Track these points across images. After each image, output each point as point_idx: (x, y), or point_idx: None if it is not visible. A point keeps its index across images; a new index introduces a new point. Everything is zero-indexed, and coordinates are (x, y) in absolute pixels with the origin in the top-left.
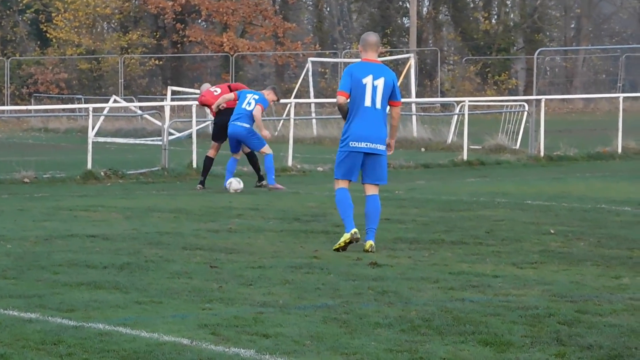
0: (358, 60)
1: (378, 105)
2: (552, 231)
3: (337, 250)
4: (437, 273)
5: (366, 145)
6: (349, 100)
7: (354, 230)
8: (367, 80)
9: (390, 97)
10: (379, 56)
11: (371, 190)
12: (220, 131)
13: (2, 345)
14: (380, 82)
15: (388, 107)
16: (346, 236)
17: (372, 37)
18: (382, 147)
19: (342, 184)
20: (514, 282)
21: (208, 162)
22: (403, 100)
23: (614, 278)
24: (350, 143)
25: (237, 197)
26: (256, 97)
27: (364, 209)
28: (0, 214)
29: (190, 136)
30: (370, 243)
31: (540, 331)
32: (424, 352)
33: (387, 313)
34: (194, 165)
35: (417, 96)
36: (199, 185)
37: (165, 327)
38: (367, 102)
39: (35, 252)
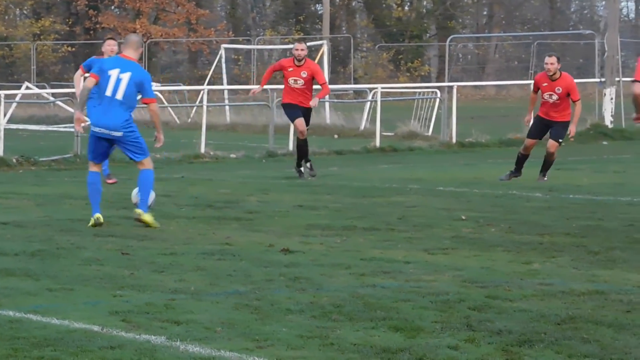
0: (270, 46)
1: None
2: (463, 217)
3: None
4: (349, 259)
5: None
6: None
7: (97, 215)
8: (113, 73)
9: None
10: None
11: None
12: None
13: None
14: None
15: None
16: (91, 221)
17: (132, 36)
18: (118, 133)
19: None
20: (425, 268)
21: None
22: (317, 86)
23: (524, 264)
24: (93, 128)
25: None
26: None
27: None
28: None
29: None
30: (138, 211)
31: (450, 317)
32: (335, 337)
33: (299, 299)
34: None
35: (330, 83)
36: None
37: (76, 314)
38: (108, 92)
39: None
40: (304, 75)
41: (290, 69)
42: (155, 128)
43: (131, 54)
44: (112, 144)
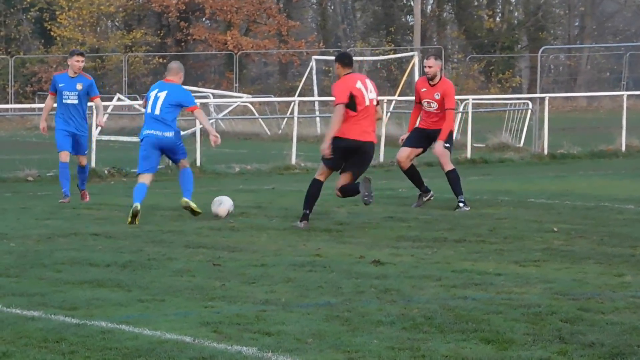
0: (361, 58)
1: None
2: (554, 229)
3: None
4: (440, 271)
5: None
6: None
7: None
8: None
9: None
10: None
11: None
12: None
13: (4, 343)
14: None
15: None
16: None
17: (173, 64)
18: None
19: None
20: (516, 280)
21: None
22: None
23: (616, 276)
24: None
25: (239, 195)
26: None
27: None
28: (3, 212)
29: (194, 134)
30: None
31: (542, 329)
32: (426, 349)
33: (389, 311)
34: (198, 163)
35: None
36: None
37: (167, 325)
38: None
39: (38, 250)
40: (437, 97)
41: (424, 89)
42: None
43: (172, 78)
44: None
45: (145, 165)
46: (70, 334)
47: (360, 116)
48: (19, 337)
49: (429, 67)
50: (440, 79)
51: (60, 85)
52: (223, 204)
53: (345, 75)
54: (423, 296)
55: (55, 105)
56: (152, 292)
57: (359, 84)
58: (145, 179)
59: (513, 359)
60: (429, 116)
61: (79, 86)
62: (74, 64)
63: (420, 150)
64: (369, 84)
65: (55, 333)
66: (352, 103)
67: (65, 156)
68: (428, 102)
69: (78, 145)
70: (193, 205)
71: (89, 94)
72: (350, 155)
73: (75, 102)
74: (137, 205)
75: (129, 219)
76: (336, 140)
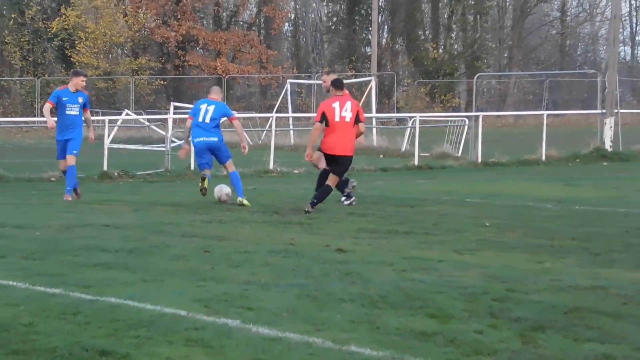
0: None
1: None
2: (487, 224)
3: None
4: (392, 258)
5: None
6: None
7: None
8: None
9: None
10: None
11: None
12: None
13: (30, 315)
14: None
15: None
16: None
17: (215, 88)
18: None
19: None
20: (455, 266)
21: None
22: (366, 115)
23: (538, 263)
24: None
25: None
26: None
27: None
28: (30, 206)
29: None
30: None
31: (476, 306)
32: (381, 323)
33: (351, 290)
34: (192, 167)
35: (376, 112)
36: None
37: (166, 301)
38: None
39: (59, 238)
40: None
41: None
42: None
43: (215, 96)
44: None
45: (201, 165)
46: (86, 308)
47: (330, 130)
48: (42, 310)
49: (323, 81)
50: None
51: (64, 99)
52: (223, 190)
53: (332, 96)
54: (379, 278)
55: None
56: (154, 273)
57: (335, 104)
58: (206, 172)
59: (452, 330)
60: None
61: (80, 99)
62: (79, 83)
63: None
64: (348, 105)
65: (73, 307)
66: (325, 120)
67: (63, 164)
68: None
69: (67, 148)
70: (245, 202)
71: (84, 106)
72: (330, 161)
73: (77, 113)
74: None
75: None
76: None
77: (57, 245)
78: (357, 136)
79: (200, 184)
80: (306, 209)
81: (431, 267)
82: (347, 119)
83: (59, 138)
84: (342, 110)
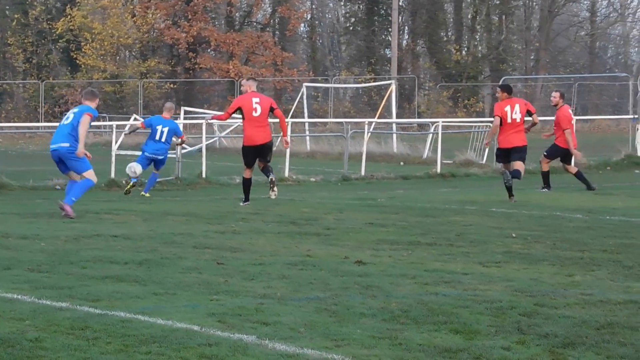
0: (345, 85)
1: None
2: (513, 235)
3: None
4: (414, 270)
5: None
6: None
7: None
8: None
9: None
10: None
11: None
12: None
13: (37, 330)
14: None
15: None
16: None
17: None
18: None
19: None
20: (480, 279)
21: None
22: (386, 120)
23: (567, 276)
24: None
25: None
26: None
27: None
28: (36, 216)
29: (200, 150)
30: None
31: (503, 321)
32: (403, 338)
33: (371, 305)
34: (204, 175)
35: (397, 117)
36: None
37: (178, 315)
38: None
39: (66, 249)
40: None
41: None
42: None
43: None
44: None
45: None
46: (94, 322)
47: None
48: (49, 324)
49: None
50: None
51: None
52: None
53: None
54: (400, 292)
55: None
56: (165, 286)
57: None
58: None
59: (478, 347)
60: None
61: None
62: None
63: None
64: (517, 107)
65: (81, 321)
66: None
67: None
68: None
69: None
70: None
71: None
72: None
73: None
74: None
75: None
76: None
77: (65, 256)
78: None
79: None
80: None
81: (455, 280)
82: (518, 120)
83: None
84: (513, 112)
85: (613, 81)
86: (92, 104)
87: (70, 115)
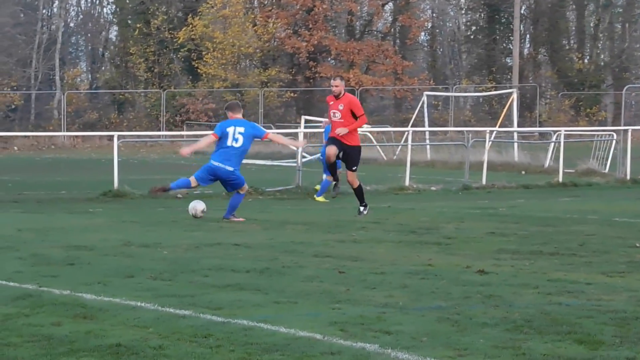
0: (465, 94)
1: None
2: (637, 245)
3: None
4: (536, 280)
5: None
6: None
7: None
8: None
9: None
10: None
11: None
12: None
13: (160, 338)
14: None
15: None
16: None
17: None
18: None
19: None
20: (604, 289)
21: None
22: (507, 129)
23: None
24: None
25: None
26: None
27: None
28: (157, 224)
29: (320, 159)
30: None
31: (628, 332)
32: (526, 348)
33: (493, 314)
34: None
35: (518, 126)
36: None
37: (300, 324)
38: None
39: (187, 257)
40: (341, 108)
41: (331, 102)
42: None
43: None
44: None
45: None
46: (217, 330)
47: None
48: (172, 332)
49: (335, 86)
50: (343, 94)
51: None
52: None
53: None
54: (522, 302)
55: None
56: (286, 295)
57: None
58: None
59: (603, 357)
60: (335, 125)
61: None
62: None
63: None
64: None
65: (204, 329)
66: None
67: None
68: (333, 113)
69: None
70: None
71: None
72: None
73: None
74: None
75: None
76: None
77: (186, 265)
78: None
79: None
80: None
81: (578, 290)
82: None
83: None
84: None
85: None
86: (239, 115)
87: (239, 137)
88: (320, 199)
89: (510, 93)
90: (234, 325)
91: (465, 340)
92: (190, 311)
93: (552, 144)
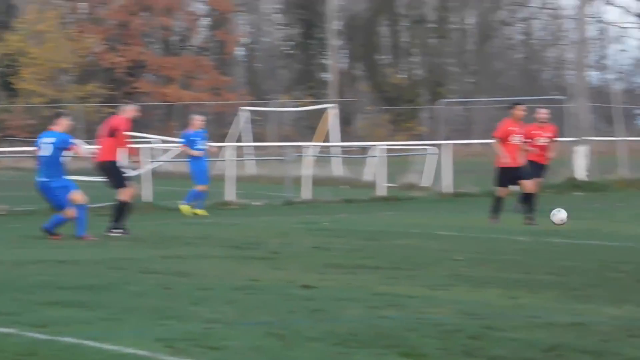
0: (284, 109)
1: None
2: (459, 258)
3: None
4: (361, 294)
5: None
6: None
7: None
8: None
9: None
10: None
11: None
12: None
13: None
14: None
15: None
16: None
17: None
18: None
19: None
20: (427, 302)
21: None
22: (327, 144)
23: (512, 298)
24: None
25: (187, 227)
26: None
27: None
28: None
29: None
30: None
31: (451, 344)
32: None
33: (319, 328)
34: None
35: (341, 140)
36: None
37: (126, 340)
38: None
39: (11, 274)
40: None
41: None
42: None
43: None
44: None
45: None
46: (43, 348)
47: None
48: None
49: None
50: None
51: None
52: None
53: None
54: (348, 316)
55: None
56: (113, 311)
57: None
58: None
59: None
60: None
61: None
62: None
63: None
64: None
65: (28, 347)
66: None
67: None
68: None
69: None
70: None
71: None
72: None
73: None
74: None
75: None
76: None
77: (10, 282)
78: None
79: None
80: None
81: (402, 304)
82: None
83: None
84: None
85: (550, 104)
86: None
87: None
88: (187, 208)
89: (327, 108)
90: (60, 343)
91: (291, 354)
92: (14, 329)
93: (373, 158)
